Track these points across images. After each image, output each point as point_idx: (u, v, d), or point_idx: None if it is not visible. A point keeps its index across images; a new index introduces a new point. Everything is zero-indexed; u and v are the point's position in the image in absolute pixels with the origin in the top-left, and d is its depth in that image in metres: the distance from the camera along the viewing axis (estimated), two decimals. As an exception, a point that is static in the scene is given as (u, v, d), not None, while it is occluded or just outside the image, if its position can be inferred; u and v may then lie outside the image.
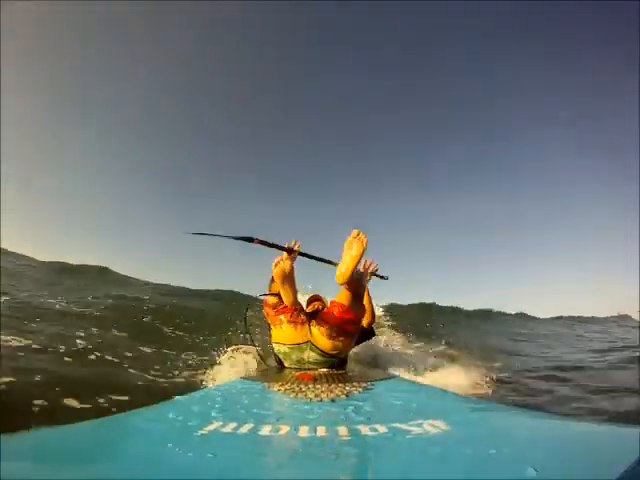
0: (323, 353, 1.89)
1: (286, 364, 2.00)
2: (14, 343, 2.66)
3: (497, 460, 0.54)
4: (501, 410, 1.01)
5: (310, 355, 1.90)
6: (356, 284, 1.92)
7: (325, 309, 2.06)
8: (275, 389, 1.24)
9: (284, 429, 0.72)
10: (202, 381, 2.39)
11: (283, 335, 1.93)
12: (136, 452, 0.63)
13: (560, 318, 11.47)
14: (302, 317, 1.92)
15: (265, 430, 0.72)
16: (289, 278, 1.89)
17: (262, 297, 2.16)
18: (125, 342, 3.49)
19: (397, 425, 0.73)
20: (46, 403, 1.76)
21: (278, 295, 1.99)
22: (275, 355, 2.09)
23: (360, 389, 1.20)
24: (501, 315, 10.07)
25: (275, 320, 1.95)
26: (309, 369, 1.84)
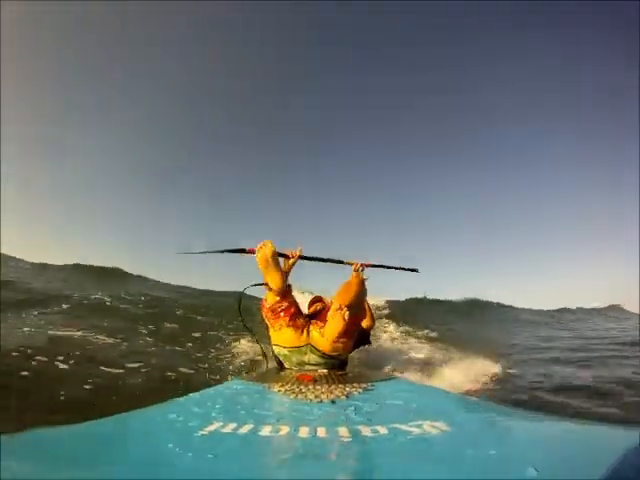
0: (323, 355, 1.88)
1: (286, 365, 2.00)
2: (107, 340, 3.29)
3: (497, 460, 0.54)
4: (501, 411, 1.01)
5: (311, 357, 1.90)
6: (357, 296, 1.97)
7: (325, 310, 2.06)
8: (275, 390, 1.24)
9: (284, 430, 0.72)
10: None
11: (283, 338, 1.92)
12: (136, 452, 0.63)
13: (544, 311, 11.45)
14: (301, 320, 1.91)
15: (265, 431, 0.72)
16: (272, 262, 1.84)
17: (261, 292, 2.15)
18: (178, 332, 4.23)
19: (397, 426, 0.73)
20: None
21: (270, 288, 1.90)
22: (275, 356, 2.09)
23: (360, 390, 1.20)
24: (488, 305, 10.13)
25: (274, 323, 1.94)
26: (309, 370, 1.84)
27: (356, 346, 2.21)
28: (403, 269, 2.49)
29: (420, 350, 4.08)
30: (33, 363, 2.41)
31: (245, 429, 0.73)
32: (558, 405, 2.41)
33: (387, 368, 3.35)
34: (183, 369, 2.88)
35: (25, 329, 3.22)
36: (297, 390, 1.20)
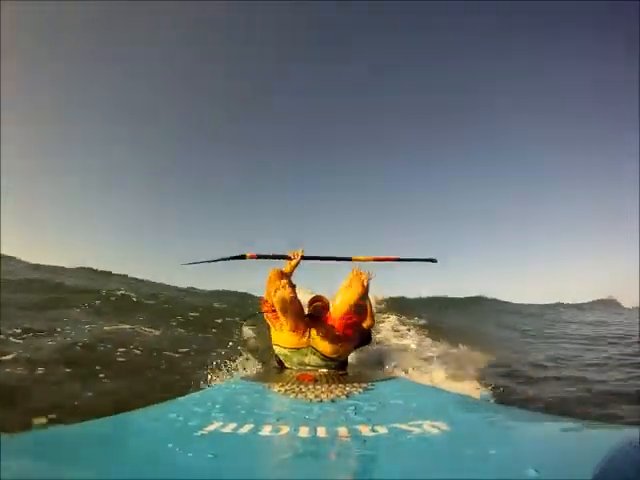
0: (324, 357, 1.88)
1: (287, 365, 1.99)
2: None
3: (497, 460, 0.54)
4: (501, 410, 1.01)
5: (311, 359, 1.89)
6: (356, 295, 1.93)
7: (327, 311, 2.05)
8: (275, 389, 1.24)
9: (284, 429, 0.72)
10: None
11: (284, 338, 1.91)
12: (136, 452, 0.63)
13: (536, 305, 11.48)
14: (303, 322, 1.89)
15: (265, 430, 0.72)
16: (291, 306, 1.76)
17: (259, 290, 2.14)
18: (200, 322, 4.94)
19: (397, 425, 0.73)
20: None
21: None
22: (275, 356, 2.09)
23: (360, 390, 1.20)
24: (488, 302, 10.18)
25: (275, 323, 1.93)
26: (309, 370, 1.84)
27: (357, 346, 2.21)
28: (421, 260, 2.41)
29: (407, 334, 4.94)
30: (118, 354, 2.99)
31: (245, 429, 0.73)
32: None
33: (387, 367, 3.35)
34: (219, 349, 3.55)
35: (86, 326, 3.85)
36: (297, 390, 1.20)
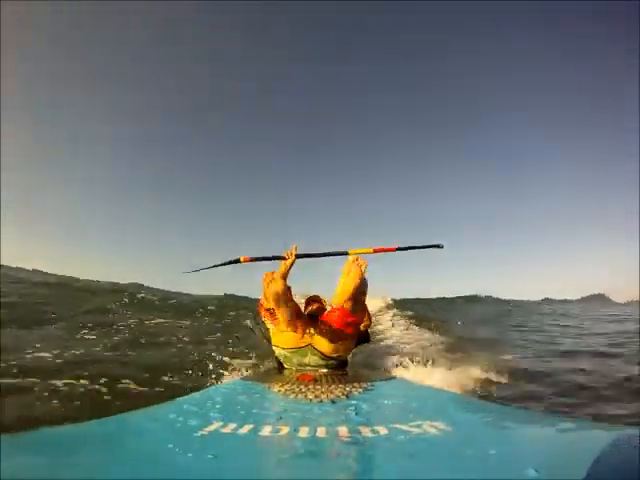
0: (324, 356, 1.88)
1: (286, 366, 1.99)
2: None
3: (497, 460, 0.54)
4: (501, 411, 1.01)
5: (311, 359, 1.89)
6: (357, 294, 1.89)
7: (325, 311, 2.04)
8: (275, 390, 1.24)
9: (284, 430, 0.72)
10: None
11: (282, 339, 1.90)
12: (136, 452, 0.63)
13: (527, 302, 11.64)
14: (301, 321, 1.88)
15: (265, 431, 0.72)
16: (285, 299, 1.77)
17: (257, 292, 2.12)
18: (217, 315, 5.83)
19: (397, 426, 0.73)
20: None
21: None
22: (275, 357, 2.08)
23: (360, 390, 1.20)
24: (487, 300, 10.38)
25: (273, 324, 1.92)
26: (309, 371, 1.84)
27: (356, 344, 2.20)
28: (426, 247, 2.28)
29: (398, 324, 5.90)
30: (174, 345, 3.91)
31: (245, 429, 0.73)
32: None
33: (387, 367, 3.35)
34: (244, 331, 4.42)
35: (131, 320, 4.89)
36: (297, 390, 1.20)
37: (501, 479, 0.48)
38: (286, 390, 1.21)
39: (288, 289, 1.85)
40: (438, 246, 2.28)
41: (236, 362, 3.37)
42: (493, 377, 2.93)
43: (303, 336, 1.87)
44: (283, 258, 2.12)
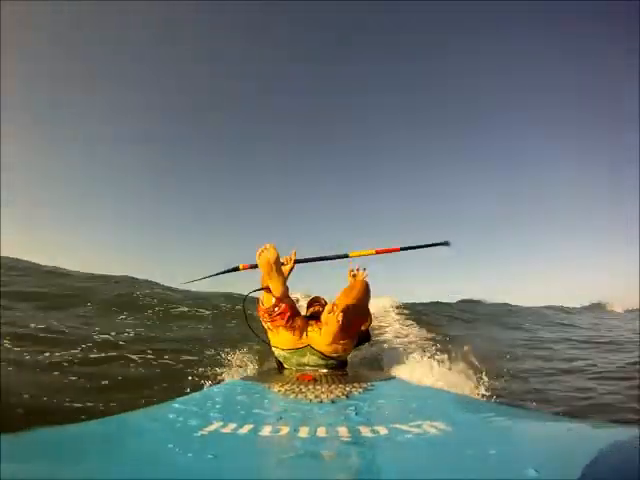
0: (323, 356, 1.88)
1: (286, 366, 1.99)
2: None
3: (497, 460, 0.54)
4: (501, 410, 1.01)
5: (310, 359, 1.88)
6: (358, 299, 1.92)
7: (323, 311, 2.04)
8: (275, 390, 1.24)
9: (284, 430, 0.72)
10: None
11: (281, 340, 1.90)
12: (136, 452, 0.63)
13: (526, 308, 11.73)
14: (300, 321, 1.88)
15: (265, 431, 0.72)
16: (275, 268, 1.76)
17: (257, 292, 2.09)
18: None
19: (397, 426, 0.73)
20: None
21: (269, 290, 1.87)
22: (275, 357, 2.08)
23: (360, 390, 1.20)
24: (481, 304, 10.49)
25: (271, 326, 1.91)
26: (309, 371, 1.84)
27: (356, 345, 2.20)
28: (432, 245, 2.28)
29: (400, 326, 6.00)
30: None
31: (245, 429, 0.73)
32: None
33: (387, 367, 3.35)
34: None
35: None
36: (297, 390, 1.20)
37: (501, 479, 0.48)
38: (286, 390, 1.21)
39: (280, 263, 1.85)
40: (444, 244, 2.24)
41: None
42: (494, 380, 2.92)
43: (301, 337, 1.87)
44: (282, 264, 2.12)
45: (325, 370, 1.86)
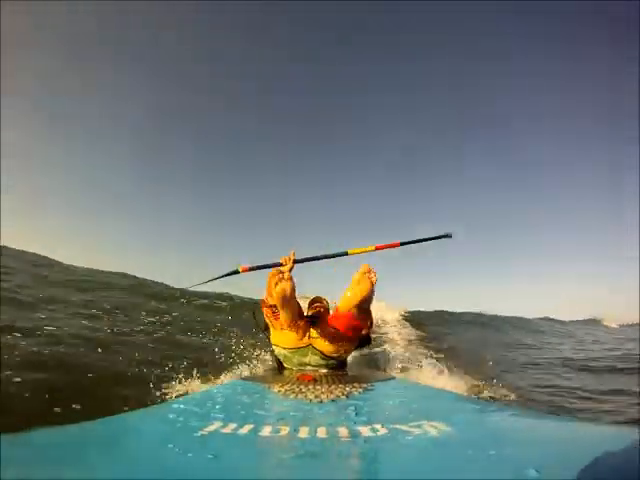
0: (324, 356, 1.88)
1: (286, 366, 1.99)
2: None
3: (497, 461, 0.54)
4: (501, 411, 1.01)
5: (312, 359, 1.89)
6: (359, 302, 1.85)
7: (327, 313, 2.04)
8: (275, 390, 1.24)
9: (284, 430, 0.72)
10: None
11: (283, 339, 1.90)
12: (136, 452, 0.63)
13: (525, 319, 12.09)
14: (302, 321, 1.88)
15: (265, 431, 0.72)
16: (290, 300, 1.70)
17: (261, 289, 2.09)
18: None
19: (397, 426, 0.73)
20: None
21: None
22: (275, 357, 2.08)
23: (360, 390, 1.20)
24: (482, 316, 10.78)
25: (275, 323, 1.91)
26: (310, 371, 1.84)
27: (357, 347, 2.18)
28: (433, 238, 2.20)
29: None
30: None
31: (245, 429, 0.73)
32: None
33: (386, 367, 3.36)
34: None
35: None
36: (297, 390, 1.20)
37: (501, 479, 0.48)
38: (286, 390, 1.21)
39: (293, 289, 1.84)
40: (447, 236, 2.18)
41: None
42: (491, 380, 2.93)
43: (303, 337, 1.87)
44: (281, 264, 2.08)
45: (325, 370, 1.86)
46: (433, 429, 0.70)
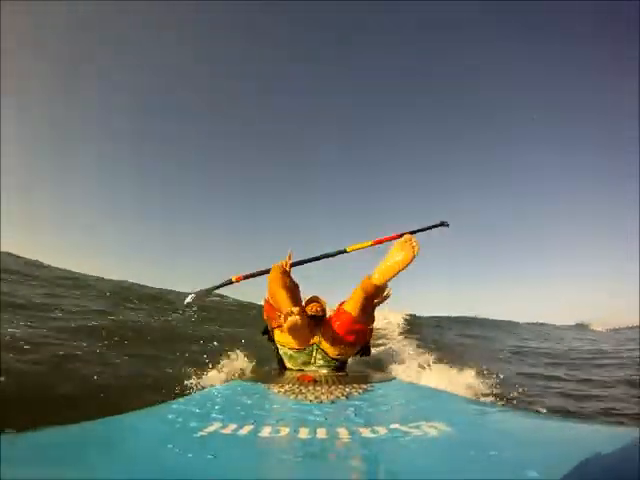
0: (329, 357, 1.87)
1: (289, 365, 1.98)
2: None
3: (498, 462, 0.54)
4: (501, 411, 1.01)
5: (317, 358, 1.88)
6: (375, 294, 1.81)
7: (328, 315, 2.03)
8: (275, 390, 1.24)
9: (284, 431, 0.72)
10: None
11: (289, 340, 1.88)
12: (136, 452, 0.63)
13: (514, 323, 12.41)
14: (309, 323, 1.86)
15: (265, 432, 0.72)
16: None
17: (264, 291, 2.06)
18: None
19: (397, 427, 0.73)
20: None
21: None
22: (277, 356, 2.07)
23: (360, 391, 1.20)
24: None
25: (278, 324, 1.91)
26: (310, 371, 1.84)
27: (356, 354, 2.16)
28: (431, 227, 2.19)
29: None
30: None
31: (245, 430, 0.73)
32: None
33: (387, 368, 3.36)
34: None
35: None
36: (297, 391, 1.20)
37: (501, 479, 0.48)
38: (286, 391, 1.21)
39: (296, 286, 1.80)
40: (443, 224, 2.19)
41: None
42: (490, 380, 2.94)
43: (310, 337, 1.86)
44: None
45: (326, 371, 1.86)
46: (433, 430, 0.70)
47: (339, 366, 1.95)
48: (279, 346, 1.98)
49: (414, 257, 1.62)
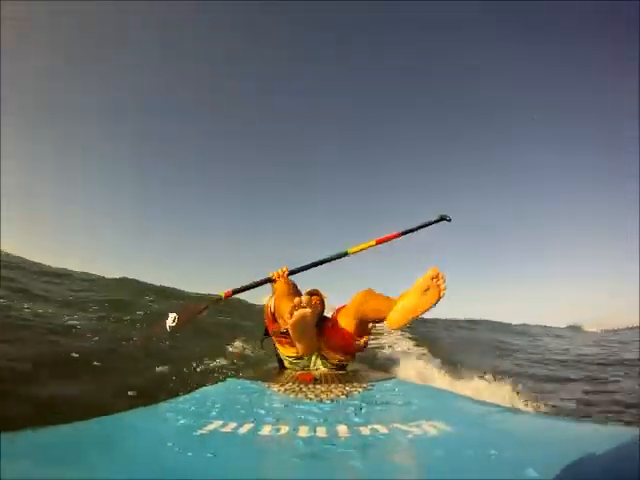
0: (329, 362, 1.87)
1: (289, 367, 1.98)
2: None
3: (497, 461, 0.54)
4: (501, 411, 1.01)
5: (317, 363, 1.88)
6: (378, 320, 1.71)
7: (327, 312, 2.03)
8: (275, 389, 1.24)
9: (284, 429, 0.72)
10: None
11: (289, 351, 1.87)
12: (136, 452, 0.63)
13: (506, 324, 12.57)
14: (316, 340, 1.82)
15: (265, 430, 0.72)
16: (309, 329, 1.48)
17: (262, 298, 2.05)
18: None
19: (397, 426, 0.73)
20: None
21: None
22: (277, 355, 2.07)
23: (360, 389, 1.20)
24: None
25: (282, 344, 1.87)
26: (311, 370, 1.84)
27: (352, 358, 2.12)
28: (432, 223, 2.06)
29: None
30: None
31: (245, 428, 0.73)
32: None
33: (387, 368, 3.36)
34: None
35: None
36: (297, 389, 1.20)
37: (501, 479, 0.48)
38: (286, 389, 1.21)
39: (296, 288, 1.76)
40: (445, 219, 2.06)
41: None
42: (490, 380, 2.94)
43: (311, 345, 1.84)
44: (271, 281, 1.92)
45: (325, 369, 1.86)
46: (433, 429, 0.70)
47: (339, 366, 1.95)
48: (278, 349, 1.97)
49: (439, 299, 1.36)
